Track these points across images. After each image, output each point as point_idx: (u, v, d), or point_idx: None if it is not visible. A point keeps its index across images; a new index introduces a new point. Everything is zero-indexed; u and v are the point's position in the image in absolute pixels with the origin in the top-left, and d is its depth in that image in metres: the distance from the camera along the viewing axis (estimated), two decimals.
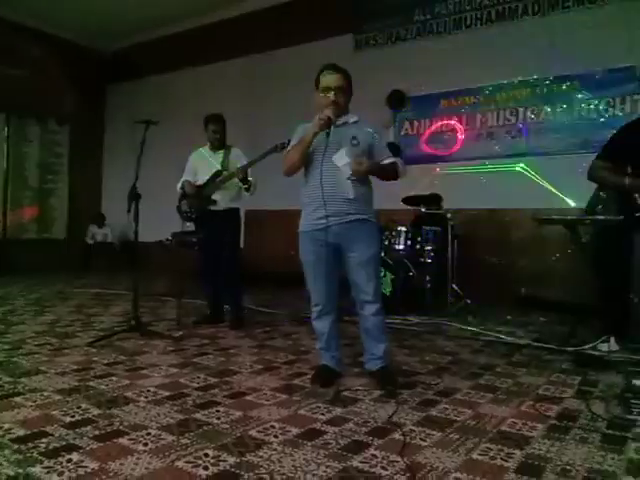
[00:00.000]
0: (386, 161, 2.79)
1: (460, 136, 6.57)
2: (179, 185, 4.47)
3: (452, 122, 6.63)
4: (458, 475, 1.75)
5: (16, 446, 1.87)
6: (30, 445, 1.88)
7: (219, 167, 4.32)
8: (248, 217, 5.54)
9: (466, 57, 6.40)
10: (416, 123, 6.92)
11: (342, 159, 2.59)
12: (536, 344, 3.84)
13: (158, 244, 6.87)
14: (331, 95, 2.69)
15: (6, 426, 2.05)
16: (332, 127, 2.66)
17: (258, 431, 2.09)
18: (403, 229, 5.41)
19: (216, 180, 4.28)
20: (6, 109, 8.86)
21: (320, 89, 2.75)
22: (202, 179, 4.38)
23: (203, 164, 4.41)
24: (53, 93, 9.37)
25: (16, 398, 2.40)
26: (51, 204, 9.72)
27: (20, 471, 1.69)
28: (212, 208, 4.32)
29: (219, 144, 4.40)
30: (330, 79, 2.72)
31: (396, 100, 6.91)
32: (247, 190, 4.25)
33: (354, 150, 2.66)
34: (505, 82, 6.23)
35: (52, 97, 9.38)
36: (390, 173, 2.81)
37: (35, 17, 8.68)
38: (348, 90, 2.77)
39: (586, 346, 3.73)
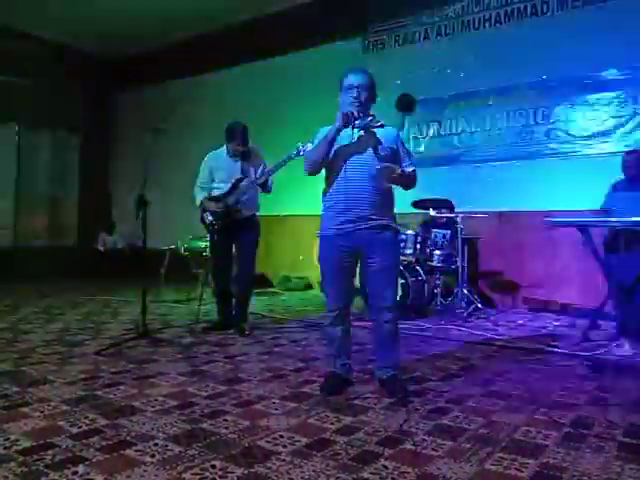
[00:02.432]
0: (408, 169, 2.75)
1: (469, 138, 6.52)
2: (198, 199, 4.31)
3: (461, 124, 6.57)
4: None
5: (22, 458, 1.86)
6: (36, 457, 1.86)
7: (239, 175, 4.21)
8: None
9: (475, 59, 6.35)
10: (425, 126, 6.87)
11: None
12: (549, 349, 3.78)
13: (168, 250, 6.92)
14: (353, 92, 2.68)
15: (12, 437, 2.04)
16: (355, 123, 2.65)
17: (267, 441, 2.06)
18: (412, 233, 5.37)
19: (238, 189, 4.16)
20: (16, 118, 8.93)
21: (343, 88, 2.74)
22: (221, 186, 4.25)
23: (222, 170, 4.27)
24: (62, 101, 9.44)
25: (23, 408, 2.38)
26: (62, 211, 9.78)
27: None
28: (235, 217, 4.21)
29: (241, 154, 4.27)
30: (353, 78, 2.72)
31: (405, 103, 6.87)
32: (265, 191, 4.23)
33: (380, 154, 2.65)
34: (514, 83, 6.18)
35: (62, 105, 9.44)
36: (410, 181, 2.78)
37: (43, 26, 8.74)
38: (371, 91, 2.75)
39: (600, 350, 3.67)
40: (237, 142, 4.19)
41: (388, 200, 2.76)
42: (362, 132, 2.70)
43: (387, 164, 2.58)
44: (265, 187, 4.21)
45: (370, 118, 2.75)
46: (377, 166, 2.58)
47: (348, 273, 2.76)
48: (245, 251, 4.31)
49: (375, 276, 2.71)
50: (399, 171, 2.59)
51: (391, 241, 2.73)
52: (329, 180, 2.76)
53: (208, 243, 5.03)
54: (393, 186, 2.78)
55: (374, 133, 2.71)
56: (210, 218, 4.25)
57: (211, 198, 4.27)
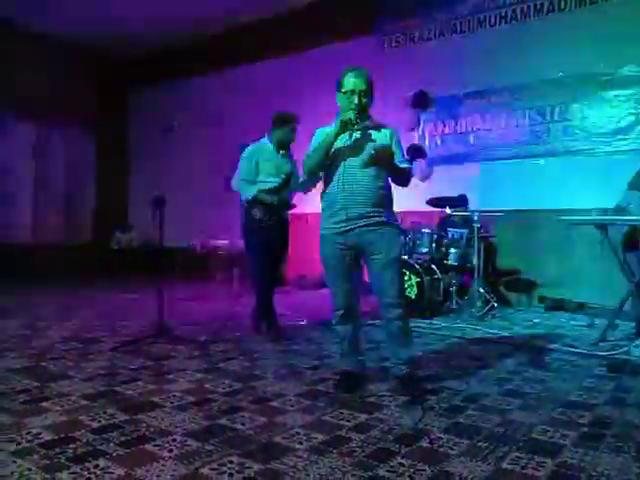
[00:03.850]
0: (401, 165, 2.76)
1: (485, 136, 6.47)
2: (249, 192, 3.96)
3: (477, 122, 6.53)
4: None
5: (44, 451, 1.89)
6: (58, 450, 1.90)
7: (289, 169, 4.03)
8: None
9: (490, 56, 6.30)
10: (441, 123, 6.84)
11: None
12: (566, 348, 3.75)
13: (185, 249, 6.97)
14: (354, 98, 2.67)
15: (35, 431, 2.08)
16: (354, 129, 2.65)
17: (283, 437, 2.08)
18: (428, 231, 5.35)
19: (288, 184, 4.00)
20: (33, 116, 9.04)
21: (343, 92, 2.73)
22: (269, 180, 3.97)
23: (269, 163, 3.99)
24: (79, 101, 9.54)
25: (44, 403, 2.43)
26: (77, 209, 9.88)
27: (48, 477, 1.70)
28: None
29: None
30: (353, 82, 2.70)
31: (420, 101, 6.85)
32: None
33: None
34: (530, 81, 6.12)
35: (78, 105, 9.55)
36: (401, 178, 2.78)
37: (56, 25, 8.80)
38: (370, 93, 2.75)
39: (619, 350, 3.63)
40: (290, 128, 3.96)
41: (385, 198, 2.75)
42: (358, 133, 2.70)
43: (380, 145, 2.60)
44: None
45: (367, 122, 2.75)
46: (372, 151, 2.58)
47: (350, 271, 2.75)
48: (282, 251, 4.18)
49: (377, 273, 2.70)
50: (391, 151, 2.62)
51: (390, 237, 2.71)
52: (326, 180, 2.78)
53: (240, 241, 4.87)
54: (392, 185, 2.79)
55: (369, 134, 2.72)
56: (259, 215, 3.94)
57: (267, 191, 3.95)
